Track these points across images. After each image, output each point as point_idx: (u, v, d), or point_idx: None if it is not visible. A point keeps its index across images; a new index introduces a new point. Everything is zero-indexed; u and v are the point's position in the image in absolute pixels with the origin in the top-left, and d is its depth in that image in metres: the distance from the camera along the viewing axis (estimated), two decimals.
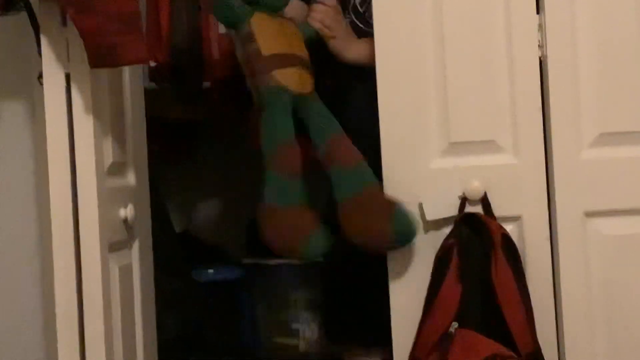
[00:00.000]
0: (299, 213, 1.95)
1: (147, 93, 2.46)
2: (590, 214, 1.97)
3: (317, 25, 2.23)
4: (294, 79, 2.03)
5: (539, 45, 1.99)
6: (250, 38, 2.04)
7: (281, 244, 1.95)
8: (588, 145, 1.98)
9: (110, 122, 2.06)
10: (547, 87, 1.98)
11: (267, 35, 2.06)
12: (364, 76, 2.12)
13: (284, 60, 2.04)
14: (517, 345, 1.85)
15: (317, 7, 2.24)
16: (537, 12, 1.99)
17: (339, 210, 1.95)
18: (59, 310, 1.90)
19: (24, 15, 2.01)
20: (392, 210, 1.93)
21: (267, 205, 1.95)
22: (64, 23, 1.92)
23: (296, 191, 1.97)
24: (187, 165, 3.23)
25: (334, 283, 2.50)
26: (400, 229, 1.93)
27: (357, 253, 2.14)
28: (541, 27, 1.99)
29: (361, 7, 2.31)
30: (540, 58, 1.99)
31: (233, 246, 3.27)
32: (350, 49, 2.26)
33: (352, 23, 2.33)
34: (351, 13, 2.34)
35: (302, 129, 2.05)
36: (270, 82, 2.02)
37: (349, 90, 2.31)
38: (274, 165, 1.97)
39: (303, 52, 2.11)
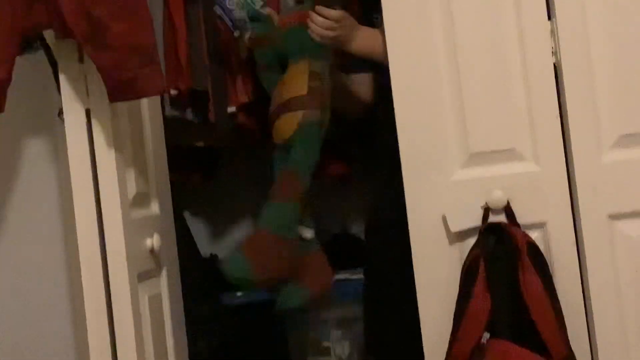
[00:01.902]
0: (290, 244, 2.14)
1: (169, 121, 2.48)
2: (614, 217, 1.96)
3: (316, 38, 2.24)
4: (277, 131, 2.22)
5: (552, 52, 1.99)
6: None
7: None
8: (608, 148, 1.97)
9: (131, 153, 2.08)
10: (564, 93, 1.97)
11: (277, 88, 2.27)
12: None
13: (276, 112, 2.23)
14: (550, 352, 1.84)
15: (313, 20, 2.23)
16: (549, 18, 1.99)
17: None
18: (91, 343, 1.92)
19: (41, 53, 2.03)
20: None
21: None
22: (81, 60, 1.95)
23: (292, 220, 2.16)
24: (213, 191, 3.24)
25: (365, 299, 2.50)
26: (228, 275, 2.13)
27: (385, 270, 2.16)
28: (553, 33, 1.99)
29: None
30: (554, 64, 1.99)
31: None
32: (354, 40, 2.26)
33: None
34: None
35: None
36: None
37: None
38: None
39: (292, 87, 2.23)
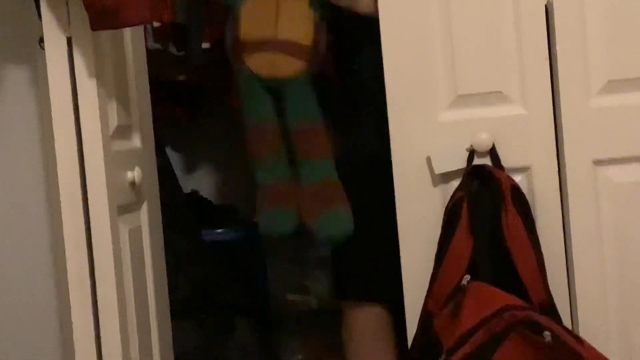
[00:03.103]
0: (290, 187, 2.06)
1: (152, 54, 2.43)
2: (599, 163, 1.95)
3: None
4: (264, 65, 2.06)
5: None
6: (236, 21, 2.08)
7: None
8: (596, 93, 1.95)
9: (114, 85, 2.04)
10: (554, 36, 1.95)
11: (253, 18, 2.08)
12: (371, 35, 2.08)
13: (258, 46, 2.06)
14: (529, 295, 1.85)
15: None
16: None
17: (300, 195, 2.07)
18: (70, 274, 1.91)
19: None
20: (318, 214, 2.03)
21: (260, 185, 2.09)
22: None
23: (281, 168, 2.08)
24: (195, 127, 3.21)
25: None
26: (323, 235, 2.06)
27: (366, 210, 2.15)
28: None
29: None
30: (545, 6, 1.97)
31: (243, 206, 3.28)
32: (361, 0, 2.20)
33: None
34: None
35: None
36: (242, 67, 2.06)
37: (355, 50, 2.28)
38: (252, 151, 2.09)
39: (294, 30, 2.09)
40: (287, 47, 2.07)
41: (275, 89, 2.08)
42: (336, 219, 2.05)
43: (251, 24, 2.07)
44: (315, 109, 2.09)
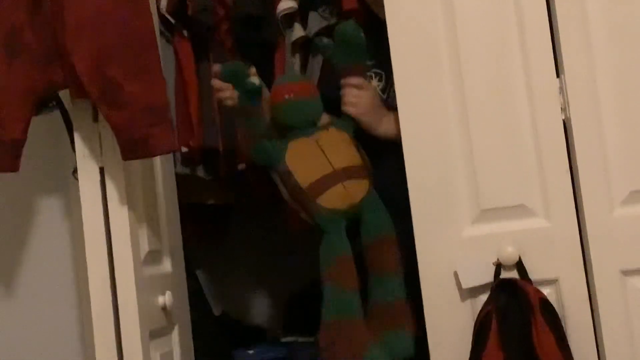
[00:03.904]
0: (358, 327, 2.04)
1: (181, 178, 2.48)
2: (627, 273, 1.95)
3: (352, 110, 2.21)
4: (339, 197, 2.11)
5: (561, 108, 2.01)
6: (288, 175, 2.13)
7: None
8: (620, 204, 1.97)
9: (144, 211, 2.09)
10: (573, 149, 1.98)
11: (304, 164, 2.14)
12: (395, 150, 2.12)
13: (324, 184, 2.11)
14: None
15: (347, 92, 2.21)
16: (557, 75, 2.01)
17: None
18: None
19: (57, 113, 2.06)
20: (367, 346, 2.02)
21: (325, 322, 2.04)
22: (95, 118, 1.98)
23: (354, 304, 2.05)
24: (223, 249, 3.24)
25: None
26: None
27: None
28: (562, 90, 2.01)
29: (383, 92, 2.32)
30: (563, 120, 2.00)
31: (272, 325, 3.27)
32: (381, 124, 2.23)
33: None
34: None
35: None
36: (319, 210, 2.10)
37: (381, 164, 2.32)
38: (331, 279, 2.05)
39: (345, 157, 2.16)
40: (350, 173, 2.13)
41: (352, 215, 2.12)
42: (397, 342, 2.05)
43: (306, 170, 2.13)
44: (390, 222, 2.12)
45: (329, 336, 2.03)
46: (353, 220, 2.13)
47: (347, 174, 2.13)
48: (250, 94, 2.11)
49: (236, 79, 2.11)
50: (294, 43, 2.67)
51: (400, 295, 2.08)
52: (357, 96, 2.21)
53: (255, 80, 2.12)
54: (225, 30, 2.71)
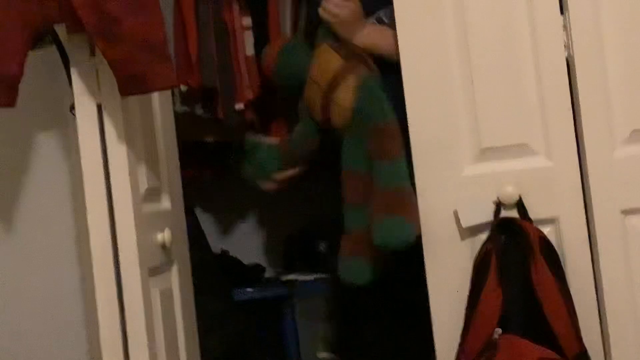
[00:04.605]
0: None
1: (180, 117, 2.47)
2: (627, 212, 1.95)
3: (327, 16, 2.22)
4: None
5: (564, 46, 1.98)
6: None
7: None
8: (621, 143, 1.96)
9: (143, 148, 2.08)
10: (576, 87, 1.97)
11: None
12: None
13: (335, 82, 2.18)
14: (562, 346, 1.84)
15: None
16: (562, 13, 1.99)
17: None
18: (102, 336, 1.92)
19: (53, 48, 2.04)
20: (378, 221, 2.01)
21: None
22: (92, 54, 1.95)
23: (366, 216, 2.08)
24: (223, 186, 3.24)
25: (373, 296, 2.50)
26: (377, 242, 2.01)
27: (396, 266, 2.15)
28: (566, 28, 1.98)
29: (385, 17, 2.30)
30: (567, 58, 1.98)
31: (272, 264, 3.29)
32: (358, 34, 2.22)
33: None
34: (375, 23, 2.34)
35: None
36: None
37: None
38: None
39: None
40: (333, 84, 2.16)
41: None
42: (394, 228, 2.01)
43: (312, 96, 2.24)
44: (384, 112, 2.09)
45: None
46: None
47: (333, 84, 2.15)
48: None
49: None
50: None
51: (405, 183, 2.03)
52: (339, 5, 2.20)
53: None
54: None
